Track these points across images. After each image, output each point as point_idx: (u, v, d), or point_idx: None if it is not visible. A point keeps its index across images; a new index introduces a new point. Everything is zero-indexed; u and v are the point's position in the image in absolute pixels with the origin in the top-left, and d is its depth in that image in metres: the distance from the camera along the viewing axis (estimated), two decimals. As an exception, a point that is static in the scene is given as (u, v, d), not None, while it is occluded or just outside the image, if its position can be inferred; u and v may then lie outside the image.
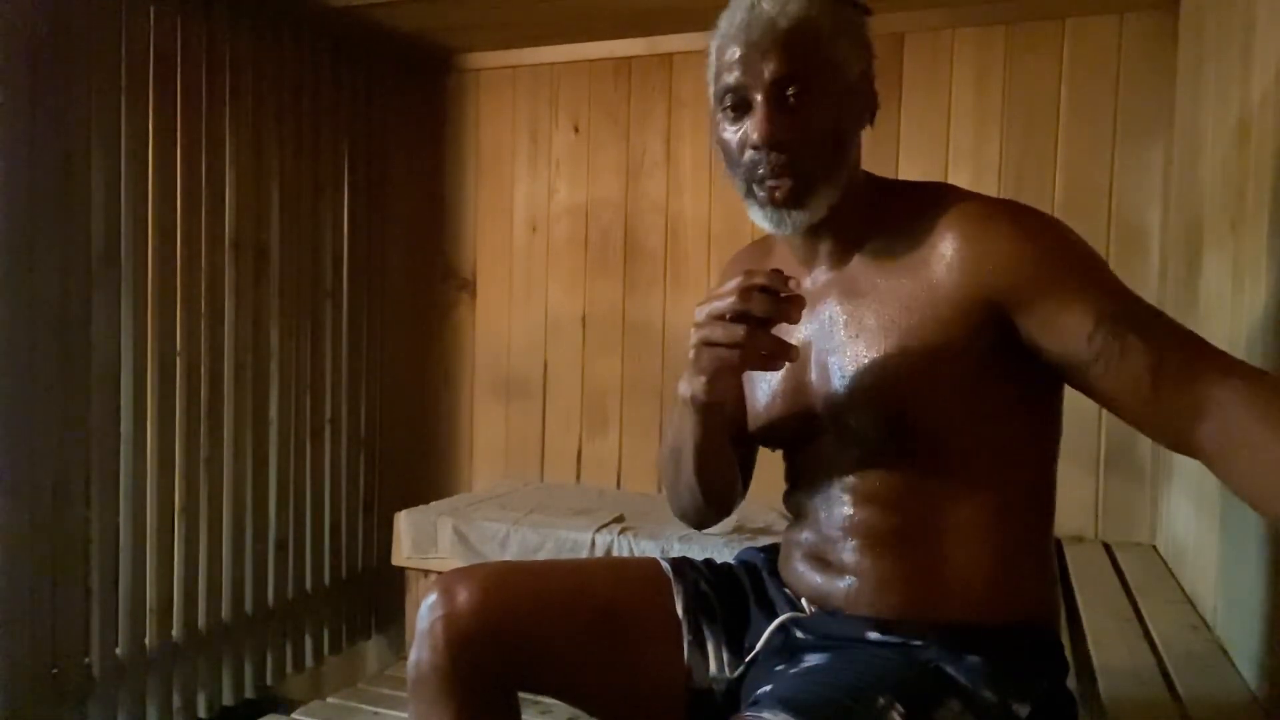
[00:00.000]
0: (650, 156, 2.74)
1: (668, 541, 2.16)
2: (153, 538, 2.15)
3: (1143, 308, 0.92)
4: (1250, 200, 1.45)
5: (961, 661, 0.94)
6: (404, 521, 2.46)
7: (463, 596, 1.08)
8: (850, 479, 1.03)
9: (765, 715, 0.85)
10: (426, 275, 3.00)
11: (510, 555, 2.31)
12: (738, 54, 0.97)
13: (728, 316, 0.91)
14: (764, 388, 1.12)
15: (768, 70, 0.96)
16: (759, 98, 0.97)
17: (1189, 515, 1.84)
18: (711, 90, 1.03)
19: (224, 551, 2.35)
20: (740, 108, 0.99)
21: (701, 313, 0.94)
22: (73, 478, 1.97)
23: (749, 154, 0.98)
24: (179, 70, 2.18)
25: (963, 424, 0.98)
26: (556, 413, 2.88)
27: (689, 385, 1.00)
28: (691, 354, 0.96)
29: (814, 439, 1.08)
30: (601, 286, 2.81)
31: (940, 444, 0.99)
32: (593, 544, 2.22)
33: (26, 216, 1.87)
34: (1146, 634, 1.58)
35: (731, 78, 0.98)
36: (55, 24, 1.90)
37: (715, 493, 1.15)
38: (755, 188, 1.00)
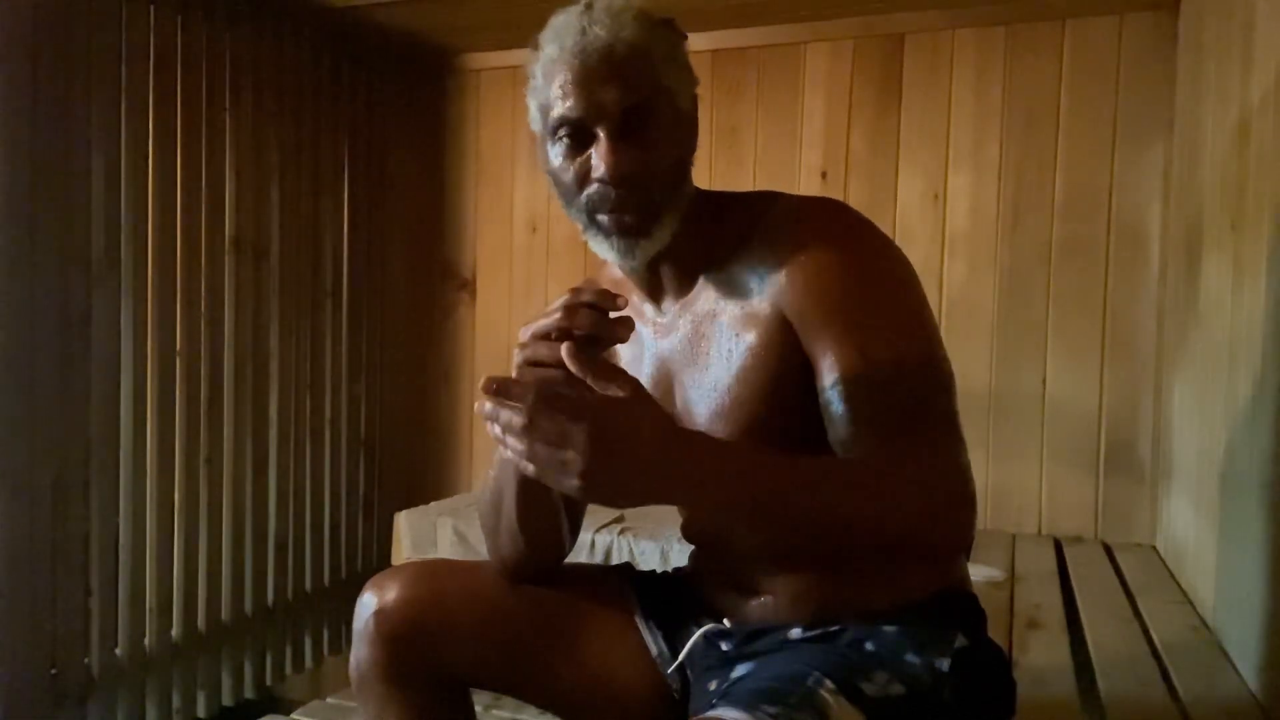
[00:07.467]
0: (650, 157, 2.74)
1: (667, 542, 2.15)
2: (153, 538, 2.15)
3: (884, 375, 0.89)
4: (1250, 200, 1.45)
5: (880, 635, 0.96)
6: (404, 522, 2.46)
7: (392, 592, 1.09)
8: None
9: (710, 715, 0.84)
10: (426, 275, 3.00)
11: (510, 555, 2.31)
12: (573, 82, 0.91)
13: (553, 335, 0.87)
14: None
15: (609, 100, 0.90)
16: (601, 131, 0.91)
17: (1189, 516, 1.84)
18: (540, 118, 0.96)
19: (224, 551, 2.35)
20: (579, 138, 0.93)
21: (525, 332, 0.89)
22: (73, 478, 1.97)
23: (593, 187, 0.93)
24: (179, 70, 2.18)
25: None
26: (556, 413, 2.88)
27: None
28: (515, 376, 0.89)
29: None
30: (601, 287, 2.80)
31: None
32: (593, 544, 2.22)
33: (26, 216, 1.87)
34: (1146, 634, 1.58)
35: (569, 107, 0.91)
36: (55, 24, 1.90)
37: (538, 537, 1.09)
38: (600, 218, 0.95)
